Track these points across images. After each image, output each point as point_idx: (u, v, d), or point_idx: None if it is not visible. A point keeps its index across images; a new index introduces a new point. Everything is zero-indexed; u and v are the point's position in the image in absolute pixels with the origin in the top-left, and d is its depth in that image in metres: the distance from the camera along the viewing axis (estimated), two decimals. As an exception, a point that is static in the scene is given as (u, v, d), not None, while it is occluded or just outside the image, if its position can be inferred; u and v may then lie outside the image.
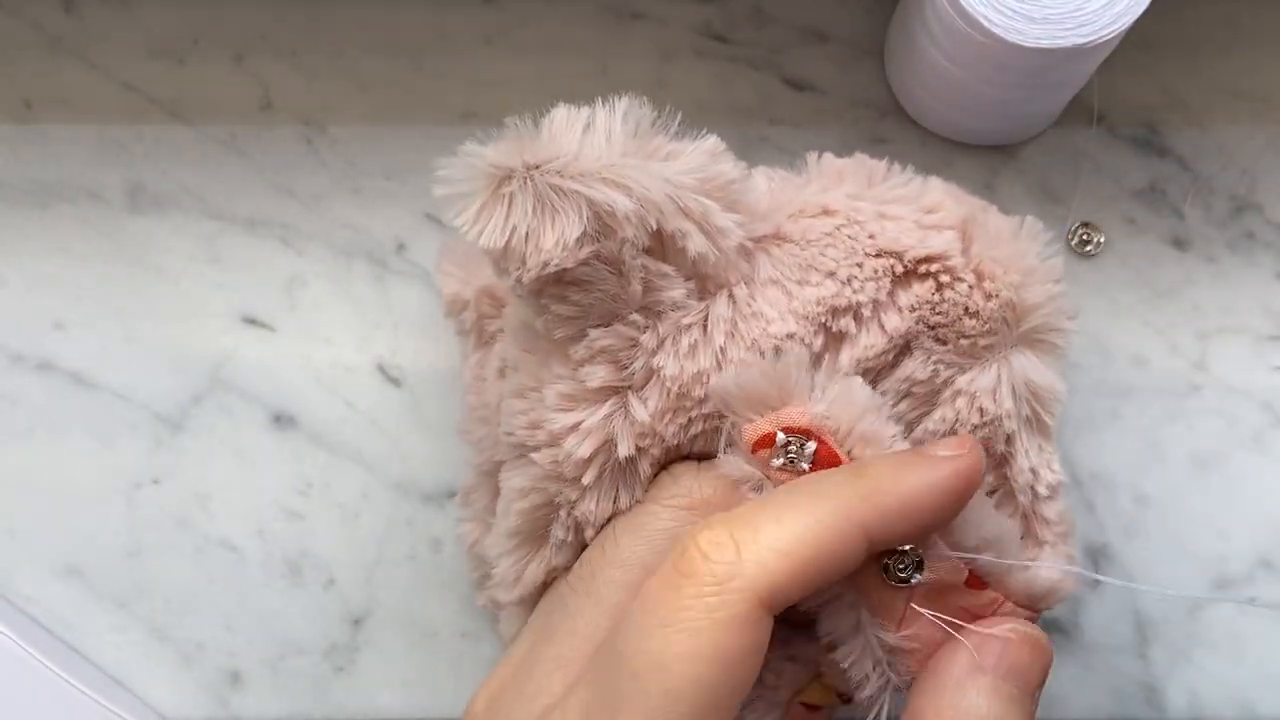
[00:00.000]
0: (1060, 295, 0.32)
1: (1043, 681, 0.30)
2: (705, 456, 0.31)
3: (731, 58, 0.42)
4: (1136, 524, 0.40)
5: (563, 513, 0.32)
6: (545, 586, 0.33)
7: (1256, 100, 0.42)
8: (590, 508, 0.31)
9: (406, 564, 0.40)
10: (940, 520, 0.28)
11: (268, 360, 0.41)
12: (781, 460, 0.29)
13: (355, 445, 0.41)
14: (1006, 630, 0.29)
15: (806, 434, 0.29)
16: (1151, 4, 0.34)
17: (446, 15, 0.43)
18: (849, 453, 0.29)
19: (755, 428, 0.29)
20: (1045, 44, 0.34)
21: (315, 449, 0.41)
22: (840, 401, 0.29)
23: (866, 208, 0.31)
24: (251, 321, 0.41)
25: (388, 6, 0.42)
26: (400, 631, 0.40)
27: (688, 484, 0.30)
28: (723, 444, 0.31)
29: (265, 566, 0.40)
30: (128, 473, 0.41)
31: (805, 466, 0.29)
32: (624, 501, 0.31)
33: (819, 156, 0.33)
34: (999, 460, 0.33)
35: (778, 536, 0.27)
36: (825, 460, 0.29)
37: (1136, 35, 0.36)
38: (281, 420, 0.41)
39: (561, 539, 0.32)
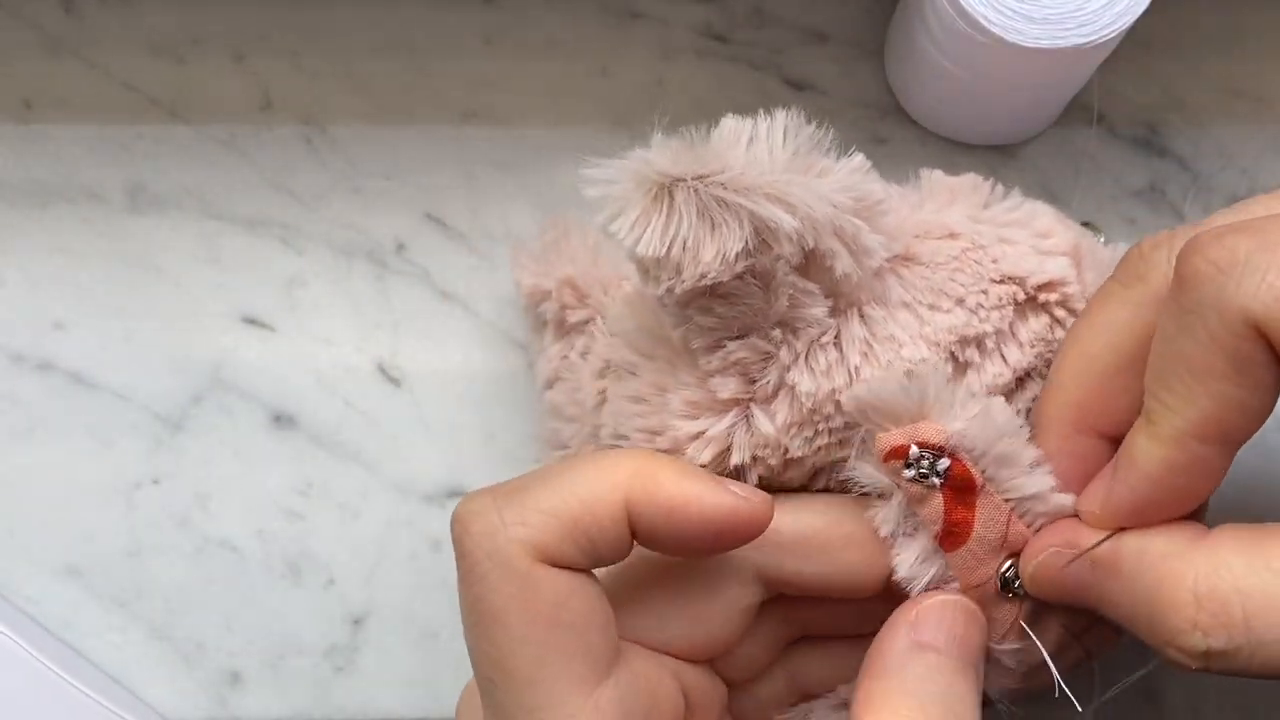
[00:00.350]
0: None
1: (982, 650, 0.29)
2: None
3: (731, 58, 0.42)
4: (1136, 524, 0.40)
5: None
6: None
7: (1256, 100, 0.42)
8: None
9: (406, 564, 0.40)
10: (699, 545, 0.28)
11: (268, 360, 0.41)
12: (914, 473, 0.29)
13: (355, 445, 0.41)
14: (939, 601, 0.29)
15: (941, 450, 0.29)
16: (1151, 4, 0.34)
17: (446, 15, 0.42)
18: (984, 472, 0.29)
19: (889, 438, 0.29)
20: (1045, 44, 0.34)
21: (315, 449, 0.41)
22: (979, 421, 0.29)
23: (988, 231, 0.32)
24: (251, 321, 0.41)
25: (388, 6, 0.42)
26: (400, 631, 0.40)
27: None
28: (854, 454, 0.31)
29: (265, 566, 0.40)
30: (128, 473, 0.41)
31: (937, 481, 0.29)
32: None
33: (930, 174, 0.34)
34: None
35: (543, 497, 0.27)
36: (959, 478, 0.29)
37: (1136, 35, 0.36)
38: (281, 420, 0.41)
39: None
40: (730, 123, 0.29)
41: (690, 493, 0.28)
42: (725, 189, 0.27)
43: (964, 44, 0.35)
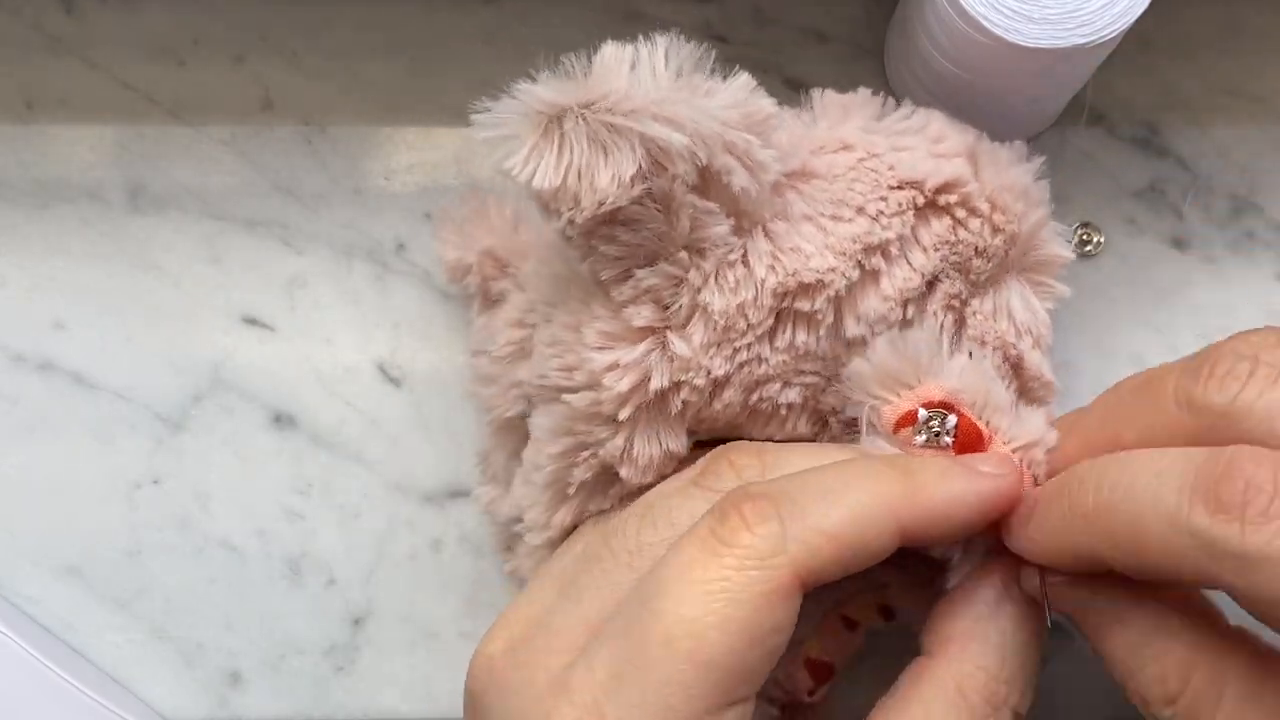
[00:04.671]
0: (1048, 218, 0.34)
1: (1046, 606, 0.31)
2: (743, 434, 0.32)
3: (731, 58, 0.42)
4: (1136, 524, 0.40)
5: (586, 453, 0.32)
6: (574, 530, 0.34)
7: (1256, 100, 0.42)
8: (619, 444, 0.32)
9: (406, 564, 0.40)
10: (972, 529, 0.29)
11: (268, 360, 0.41)
12: (925, 437, 0.30)
13: (355, 445, 0.41)
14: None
15: (947, 408, 0.30)
16: (1151, 4, 0.34)
17: (446, 15, 0.42)
18: (987, 423, 0.30)
19: (896, 407, 0.30)
20: (1045, 44, 0.34)
21: (315, 449, 0.41)
22: (970, 373, 0.30)
23: (881, 140, 0.32)
24: (251, 321, 0.41)
25: (388, 6, 0.42)
26: (400, 631, 0.40)
27: (749, 479, 0.30)
28: (863, 431, 0.31)
29: (265, 566, 0.40)
30: (128, 473, 0.41)
31: (948, 440, 0.30)
32: (665, 442, 0.32)
33: (822, 93, 0.34)
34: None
35: (825, 517, 0.27)
36: (966, 432, 0.30)
37: (1136, 35, 0.36)
38: (281, 420, 0.41)
39: (584, 479, 0.33)
40: (610, 49, 0.29)
41: (957, 492, 0.28)
42: (612, 114, 0.28)
43: (964, 44, 0.35)
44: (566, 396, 0.32)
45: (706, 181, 0.30)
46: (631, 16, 0.42)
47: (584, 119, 0.28)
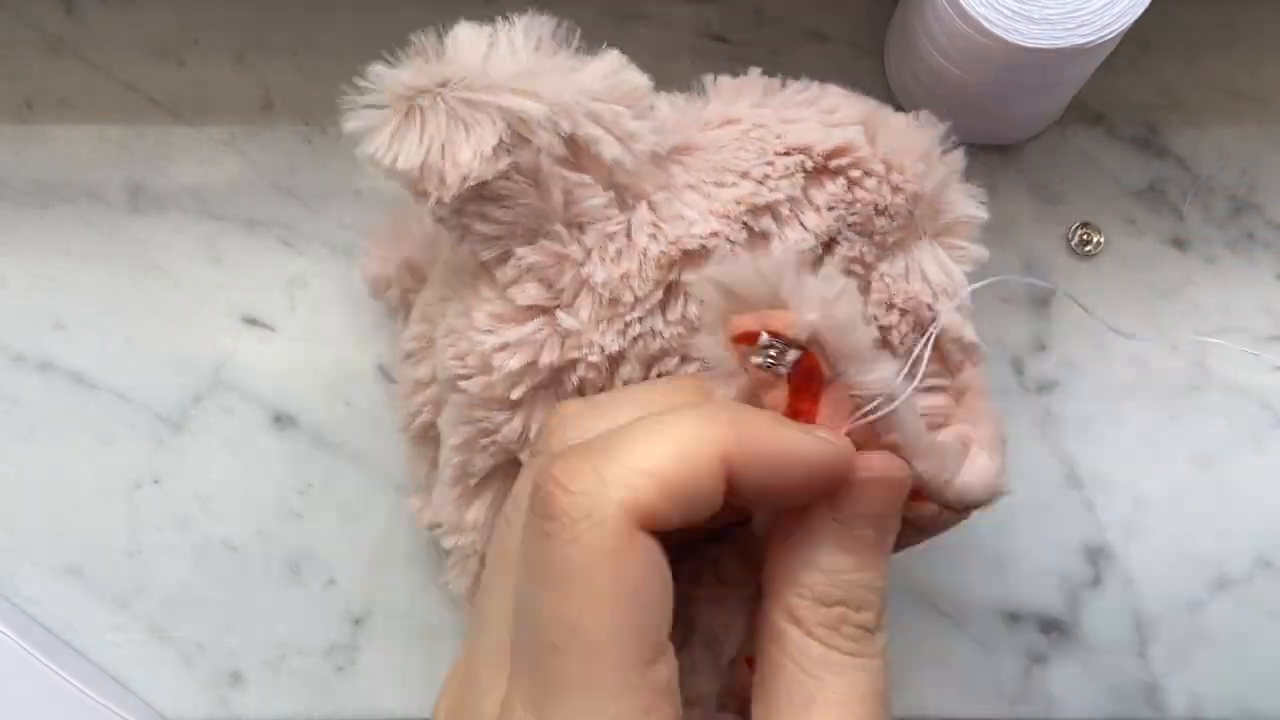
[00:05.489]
0: (958, 180, 0.33)
1: (899, 507, 0.29)
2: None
3: (731, 58, 0.42)
4: (1136, 524, 0.40)
5: (485, 440, 0.32)
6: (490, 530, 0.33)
7: (1256, 100, 0.42)
8: (516, 427, 0.31)
9: (406, 564, 0.40)
10: (799, 493, 0.27)
11: (268, 360, 0.41)
12: (762, 359, 0.28)
13: (355, 445, 0.41)
14: (860, 481, 0.28)
15: (791, 343, 0.28)
16: (1151, 4, 0.34)
17: (446, 15, 0.42)
18: (834, 366, 0.28)
19: (740, 321, 0.28)
20: (1045, 44, 0.34)
21: (315, 449, 0.41)
22: (829, 314, 0.27)
23: (769, 113, 0.32)
24: (251, 321, 0.41)
25: (388, 6, 0.42)
26: (400, 631, 0.40)
27: (579, 430, 0.28)
28: (703, 331, 0.30)
29: (265, 566, 0.40)
30: (128, 473, 0.41)
31: (784, 372, 0.28)
32: None
33: (714, 79, 0.34)
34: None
35: (645, 456, 0.25)
36: (808, 370, 0.28)
37: (1136, 35, 0.36)
38: (281, 420, 0.41)
39: (487, 468, 0.32)
40: (464, 28, 0.29)
41: (793, 447, 0.27)
42: (469, 90, 0.28)
43: (964, 44, 0.35)
44: (462, 383, 0.31)
45: (577, 153, 0.30)
46: (631, 16, 0.42)
47: (441, 98, 0.28)
